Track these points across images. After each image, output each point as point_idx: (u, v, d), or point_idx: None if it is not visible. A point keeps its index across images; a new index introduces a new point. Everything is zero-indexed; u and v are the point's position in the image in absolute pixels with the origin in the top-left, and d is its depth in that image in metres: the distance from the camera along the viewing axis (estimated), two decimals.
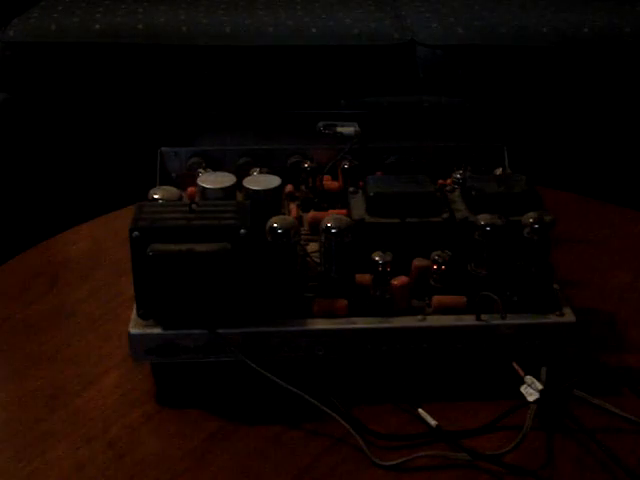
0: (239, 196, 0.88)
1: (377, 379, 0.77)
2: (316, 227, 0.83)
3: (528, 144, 1.65)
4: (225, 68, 1.79)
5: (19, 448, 0.71)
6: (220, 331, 0.74)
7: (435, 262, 0.79)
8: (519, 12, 1.88)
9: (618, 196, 1.22)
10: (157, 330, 0.75)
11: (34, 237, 1.04)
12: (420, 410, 0.73)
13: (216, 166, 0.96)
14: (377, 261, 0.77)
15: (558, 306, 0.77)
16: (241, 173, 0.90)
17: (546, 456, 0.69)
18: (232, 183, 0.87)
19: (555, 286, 0.79)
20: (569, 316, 0.76)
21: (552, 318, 0.76)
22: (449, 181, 0.93)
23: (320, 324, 0.75)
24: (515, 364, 0.74)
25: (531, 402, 0.71)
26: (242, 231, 0.73)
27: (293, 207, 0.91)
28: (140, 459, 0.69)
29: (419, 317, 0.76)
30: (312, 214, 0.90)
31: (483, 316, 0.76)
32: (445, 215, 0.81)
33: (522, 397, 0.72)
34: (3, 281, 0.95)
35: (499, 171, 0.95)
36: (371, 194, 0.82)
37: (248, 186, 0.86)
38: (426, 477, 0.68)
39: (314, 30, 1.81)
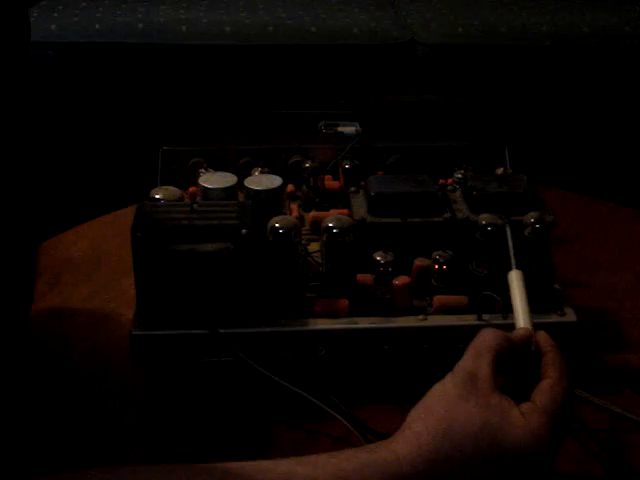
0: (240, 196, 0.88)
1: (378, 379, 0.77)
2: (317, 227, 0.83)
3: (529, 143, 1.65)
4: (225, 68, 1.79)
5: None
6: (221, 331, 0.74)
7: (436, 262, 0.79)
8: (519, 12, 1.88)
9: (618, 196, 1.22)
10: (158, 330, 0.75)
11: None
12: None
13: (217, 166, 0.95)
14: (378, 261, 0.77)
15: (559, 306, 0.77)
16: (242, 173, 0.90)
17: None
18: (233, 183, 0.87)
19: (556, 286, 0.79)
20: (570, 316, 0.77)
21: (553, 318, 0.76)
22: (450, 181, 0.93)
23: (321, 324, 0.75)
24: None
25: None
26: (243, 231, 0.73)
27: (294, 207, 0.91)
28: (139, 460, 0.69)
29: (420, 317, 0.76)
30: (313, 214, 0.90)
31: (484, 316, 0.76)
32: (446, 215, 0.81)
33: None
34: None
35: (500, 171, 0.95)
36: (372, 194, 0.82)
37: (249, 186, 0.86)
38: None
39: (314, 29, 1.81)
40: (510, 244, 0.73)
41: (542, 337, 0.65)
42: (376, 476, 0.57)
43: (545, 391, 0.60)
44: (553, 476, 0.65)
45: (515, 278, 0.70)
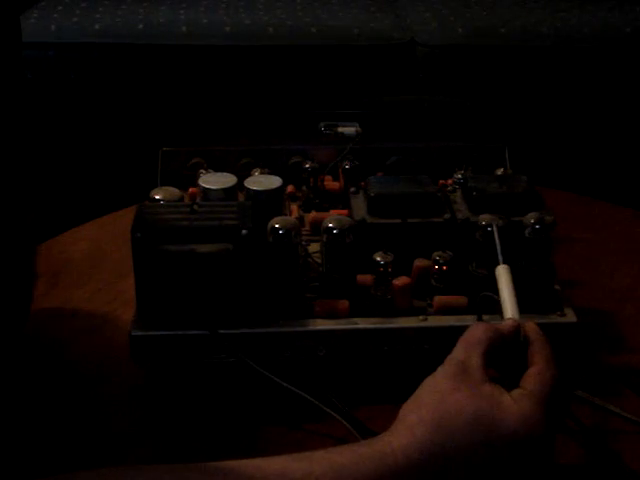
0: (240, 197, 0.88)
1: (378, 379, 0.77)
2: (317, 228, 0.83)
3: (529, 144, 1.65)
4: (225, 68, 1.79)
5: None
6: (221, 332, 0.74)
7: (436, 262, 0.79)
8: (519, 12, 1.88)
9: (618, 196, 1.22)
10: (158, 331, 0.74)
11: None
12: None
13: (217, 166, 0.96)
14: (378, 261, 0.77)
15: (559, 306, 0.77)
16: (242, 173, 0.90)
17: None
18: (233, 184, 0.87)
19: (556, 286, 0.79)
20: (570, 316, 0.77)
21: (553, 318, 0.76)
22: (450, 181, 0.93)
23: (321, 325, 0.75)
24: None
25: None
26: (243, 232, 0.73)
27: (294, 207, 0.91)
28: (139, 460, 0.69)
29: (420, 317, 0.76)
30: (313, 214, 0.90)
31: (484, 316, 0.76)
32: (446, 215, 0.81)
33: None
34: None
35: (500, 171, 0.95)
36: (372, 194, 0.82)
37: (249, 186, 0.86)
38: None
39: (314, 30, 1.81)
40: (497, 242, 0.75)
41: (530, 327, 0.66)
42: (372, 468, 0.57)
43: (533, 377, 0.61)
44: (552, 467, 0.65)
45: (503, 272, 0.72)
